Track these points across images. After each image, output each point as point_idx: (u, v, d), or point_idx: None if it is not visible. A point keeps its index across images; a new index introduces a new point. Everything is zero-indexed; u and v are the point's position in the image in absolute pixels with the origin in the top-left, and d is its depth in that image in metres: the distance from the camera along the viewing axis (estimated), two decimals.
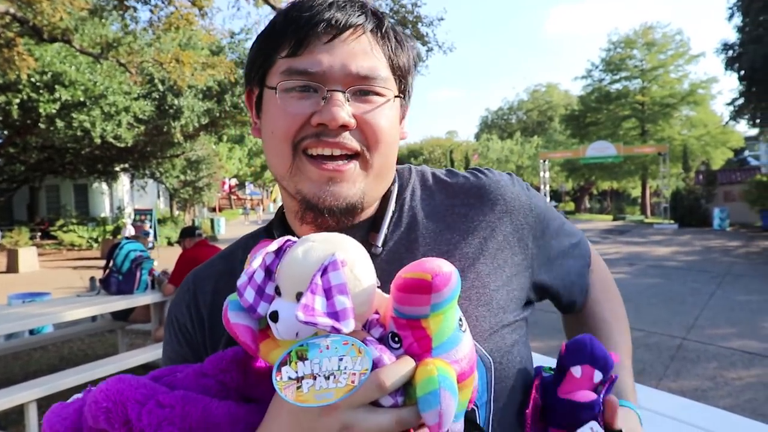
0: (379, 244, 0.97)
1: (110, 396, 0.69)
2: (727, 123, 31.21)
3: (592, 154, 32.20)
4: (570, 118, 42.90)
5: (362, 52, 0.92)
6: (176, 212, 33.96)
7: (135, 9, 10.41)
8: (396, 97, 0.96)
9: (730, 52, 20.93)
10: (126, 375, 0.73)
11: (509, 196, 1.03)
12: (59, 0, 9.89)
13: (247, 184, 63.92)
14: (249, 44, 21.67)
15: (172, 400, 0.70)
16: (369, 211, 1.02)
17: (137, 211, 21.31)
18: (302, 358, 0.62)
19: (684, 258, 16.73)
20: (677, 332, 8.10)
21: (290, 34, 0.92)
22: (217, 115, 21.17)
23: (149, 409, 0.68)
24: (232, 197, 60.04)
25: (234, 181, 56.23)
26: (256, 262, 0.68)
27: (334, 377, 0.61)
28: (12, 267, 18.42)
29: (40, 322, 5.56)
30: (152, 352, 5.85)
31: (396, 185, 1.06)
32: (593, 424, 0.89)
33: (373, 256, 0.89)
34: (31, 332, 7.26)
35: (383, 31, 0.96)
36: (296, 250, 0.68)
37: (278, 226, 1.07)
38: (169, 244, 23.69)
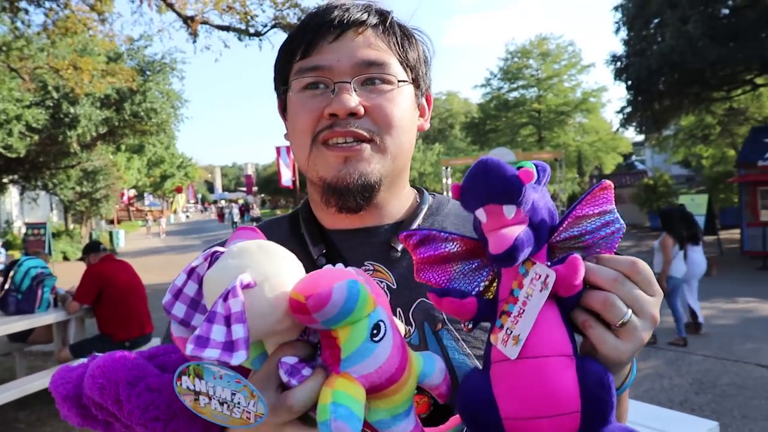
0: (400, 248, 1.03)
1: (105, 373, 0.71)
2: (617, 130, 33.01)
3: None
4: (470, 126, 43.89)
5: (366, 45, 1.00)
6: (72, 225, 32.24)
7: (26, 11, 9.84)
8: (402, 81, 1.02)
9: (618, 64, 22.14)
10: (121, 352, 0.75)
11: None
12: None
13: (146, 195, 61.59)
14: (148, 51, 21.02)
15: (161, 384, 0.72)
16: (395, 214, 1.10)
17: (29, 225, 20.05)
18: (199, 376, 0.63)
19: None
20: None
21: (301, 39, 1.02)
22: (116, 123, 20.29)
23: (138, 392, 0.70)
24: (131, 209, 57.68)
25: (133, 192, 54.05)
26: (179, 279, 0.69)
27: (228, 406, 0.63)
28: None
29: None
30: None
31: (427, 205, 1.13)
32: (538, 268, 0.70)
33: (393, 260, 0.99)
34: None
35: (387, 25, 1.03)
36: (213, 268, 0.68)
37: (305, 209, 1.15)
38: (65, 258, 22.49)
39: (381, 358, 0.68)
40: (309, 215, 1.13)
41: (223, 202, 72.94)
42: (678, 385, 6.49)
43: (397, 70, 1.01)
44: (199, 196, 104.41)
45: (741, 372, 6.85)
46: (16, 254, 18.02)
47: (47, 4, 9.37)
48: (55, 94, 17.00)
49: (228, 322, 0.59)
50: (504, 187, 0.68)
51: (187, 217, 69.12)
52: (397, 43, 1.03)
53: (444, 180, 34.47)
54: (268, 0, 9.03)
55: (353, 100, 0.96)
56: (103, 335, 6.04)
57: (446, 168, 35.09)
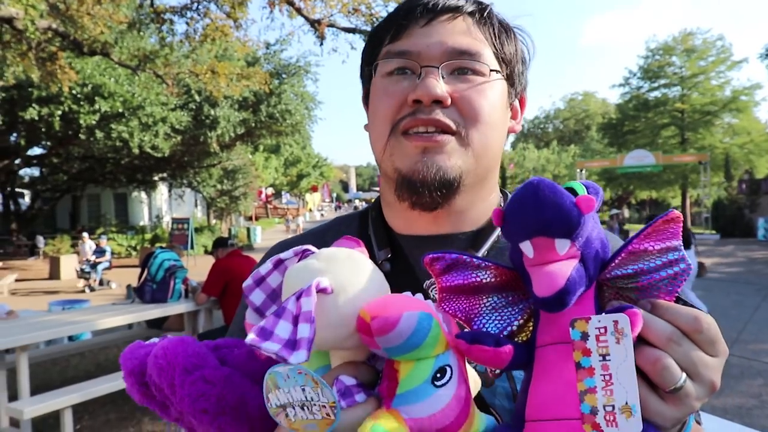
0: None
1: (167, 355, 0.71)
2: None
3: (630, 163, 31.73)
4: (607, 127, 42.44)
5: (460, 32, 0.92)
6: (213, 221, 34.40)
7: (172, 22, 10.58)
8: (494, 71, 0.94)
9: None
10: (188, 338, 0.75)
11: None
12: (100, 14, 10.14)
13: (283, 193, 64.50)
14: (284, 55, 21.99)
15: (216, 377, 0.71)
16: (476, 221, 1.01)
17: (175, 220, 21.58)
18: (276, 386, 0.60)
19: (726, 269, 16.31)
20: None
21: (390, 23, 0.96)
22: (253, 125, 21.44)
23: (193, 380, 0.70)
24: (269, 206, 60.60)
25: (270, 191, 56.77)
26: (264, 267, 0.68)
27: (308, 408, 0.59)
28: (54, 274, 18.86)
29: (78, 329, 5.65)
30: None
31: None
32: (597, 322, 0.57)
33: None
34: (70, 338, 7.39)
35: (484, 15, 0.95)
36: (297, 264, 0.66)
37: (375, 209, 1.09)
38: (206, 252, 23.98)
39: (437, 405, 0.60)
40: (379, 215, 1.06)
41: (356, 201, 74.86)
42: None
43: (490, 60, 0.93)
44: (334, 195, 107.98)
45: None
46: (163, 245, 19.43)
47: (189, 14, 10.03)
48: (197, 98, 18.25)
49: (296, 321, 0.57)
50: (560, 219, 0.58)
51: (322, 215, 71.53)
52: (494, 34, 0.95)
53: None
54: (392, 2, 9.11)
55: (440, 87, 0.88)
56: (228, 327, 6.33)
57: (581, 170, 34.05)
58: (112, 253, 23.72)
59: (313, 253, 0.67)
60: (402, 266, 0.97)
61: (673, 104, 37.11)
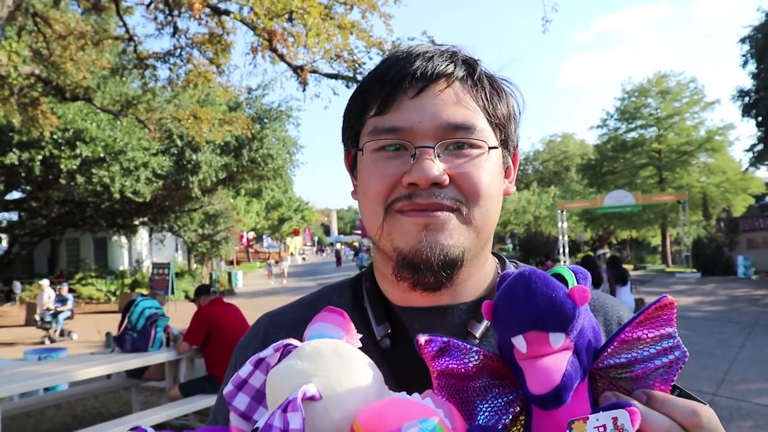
0: (477, 335, 0.91)
1: None
2: (746, 169, 30.98)
3: (610, 203, 32.02)
4: (587, 168, 42.90)
5: (452, 103, 0.86)
6: (194, 266, 34.04)
7: (155, 67, 10.64)
8: (492, 148, 0.89)
9: (747, 99, 20.96)
10: None
11: (614, 311, 0.99)
12: (83, 60, 10.17)
13: (264, 237, 64.14)
14: (266, 100, 22.13)
15: None
16: (475, 291, 0.96)
17: (155, 265, 21.31)
18: None
19: (709, 308, 16.37)
20: (706, 388, 7.82)
21: (377, 92, 0.89)
22: (235, 169, 21.46)
23: None
24: (250, 251, 60.20)
25: (252, 235, 56.42)
26: (244, 370, 0.64)
27: None
28: (30, 320, 18.43)
29: (54, 381, 5.50)
30: (166, 412, 5.73)
31: None
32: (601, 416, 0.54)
33: None
34: (46, 389, 7.18)
35: (475, 78, 0.90)
36: (280, 365, 0.62)
37: (369, 279, 1.03)
38: (187, 298, 23.67)
39: None
40: (374, 286, 1.00)
41: (338, 245, 74.64)
42: None
43: (486, 134, 0.88)
44: (316, 238, 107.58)
45: None
46: (144, 291, 19.12)
47: (171, 60, 10.09)
48: (179, 142, 18.29)
49: None
50: (555, 313, 0.57)
51: (304, 259, 71.06)
52: (486, 98, 0.90)
53: (559, 224, 33.63)
54: (375, 48, 9.23)
55: (437, 167, 0.83)
56: (210, 376, 6.19)
57: (562, 211, 34.26)
58: (91, 299, 23.36)
59: (294, 347, 0.64)
60: (402, 341, 0.93)
61: (650, 145, 37.71)
